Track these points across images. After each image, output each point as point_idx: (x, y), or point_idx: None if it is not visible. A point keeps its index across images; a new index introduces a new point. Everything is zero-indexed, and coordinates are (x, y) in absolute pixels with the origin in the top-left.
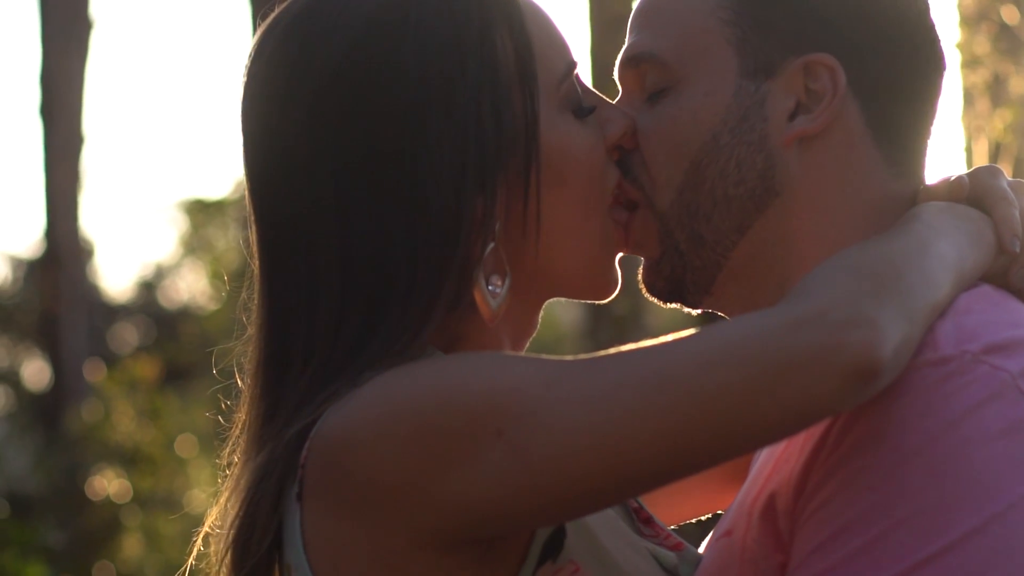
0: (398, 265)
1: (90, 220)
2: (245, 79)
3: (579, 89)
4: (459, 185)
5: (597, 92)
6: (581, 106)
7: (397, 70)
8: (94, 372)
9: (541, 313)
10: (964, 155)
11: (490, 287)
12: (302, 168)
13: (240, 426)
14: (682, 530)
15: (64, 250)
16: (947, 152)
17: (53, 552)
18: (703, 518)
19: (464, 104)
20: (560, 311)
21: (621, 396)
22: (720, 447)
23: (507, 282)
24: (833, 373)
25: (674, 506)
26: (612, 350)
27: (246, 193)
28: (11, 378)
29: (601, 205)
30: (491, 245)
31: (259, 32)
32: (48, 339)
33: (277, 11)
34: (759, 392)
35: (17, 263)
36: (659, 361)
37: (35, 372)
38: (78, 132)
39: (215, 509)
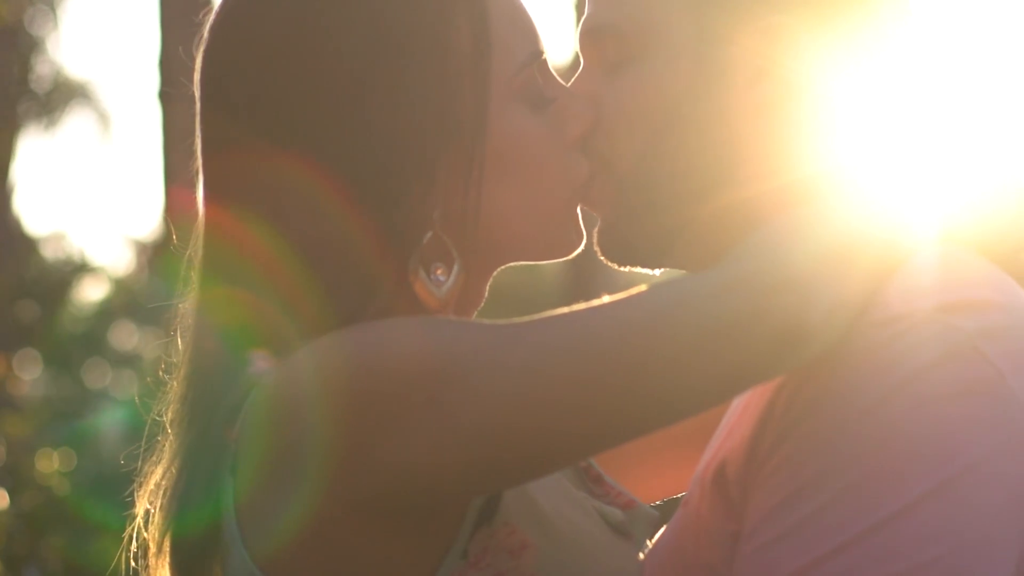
0: (329, 249)
1: None
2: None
3: (540, 79)
4: (397, 167)
5: (561, 81)
6: (540, 96)
7: (344, 43)
8: None
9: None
10: None
11: (433, 276)
12: (244, 142)
13: (172, 390)
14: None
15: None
16: None
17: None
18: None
19: (409, 84)
20: None
21: (548, 364)
22: (649, 415)
23: (455, 270)
24: (758, 339)
25: (647, 480)
26: (545, 313)
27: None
28: (135, 362)
29: (555, 191)
30: (428, 233)
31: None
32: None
33: None
34: (685, 359)
35: (140, 247)
36: (587, 327)
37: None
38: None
39: (147, 488)
